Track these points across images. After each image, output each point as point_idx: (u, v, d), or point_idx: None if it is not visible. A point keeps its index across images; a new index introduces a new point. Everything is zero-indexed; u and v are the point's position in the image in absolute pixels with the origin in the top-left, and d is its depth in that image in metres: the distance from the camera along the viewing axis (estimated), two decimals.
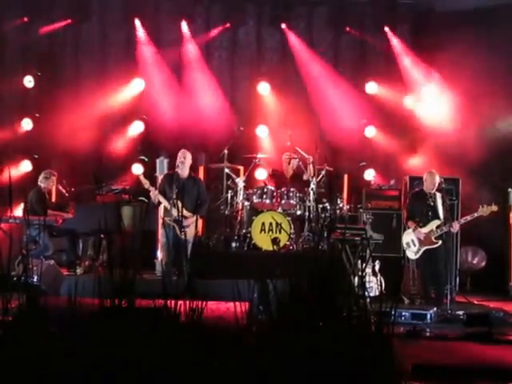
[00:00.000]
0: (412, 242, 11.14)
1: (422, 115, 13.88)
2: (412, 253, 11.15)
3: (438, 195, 11.12)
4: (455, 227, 10.98)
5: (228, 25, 14.47)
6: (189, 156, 11.34)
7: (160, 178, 12.15)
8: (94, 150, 14.17)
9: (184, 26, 14.38)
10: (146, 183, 11.24)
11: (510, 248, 12.68)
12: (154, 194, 11.11)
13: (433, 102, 13.78)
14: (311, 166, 12.69)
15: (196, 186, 11.37)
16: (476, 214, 10.86)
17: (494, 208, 10.87)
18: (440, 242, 10.96)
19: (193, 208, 11.12)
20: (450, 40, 12.86)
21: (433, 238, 10.96)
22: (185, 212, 10.98)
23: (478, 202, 11.20)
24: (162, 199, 11.07)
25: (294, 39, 14.40)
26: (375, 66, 14.29)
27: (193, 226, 11.12)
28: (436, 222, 11.00)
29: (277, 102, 14.40)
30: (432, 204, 11.09)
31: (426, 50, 13.67)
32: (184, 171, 11.23)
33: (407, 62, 13.94)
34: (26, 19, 14.09)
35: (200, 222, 12.34)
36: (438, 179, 11.13)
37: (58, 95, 13.96)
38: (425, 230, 11.04)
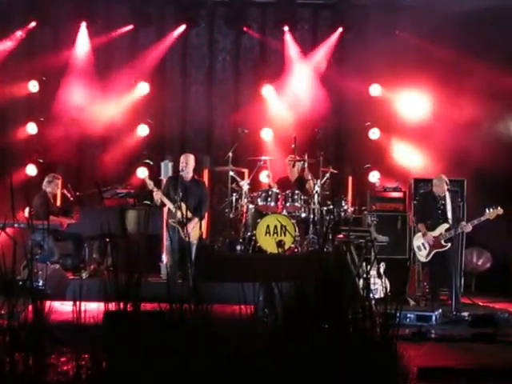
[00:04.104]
0: (422, 246, 11.11)
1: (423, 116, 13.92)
2: (422, 256, 11.14)
3: (448, 195, 11.08)
4: (468, 228, 10.94)
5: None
6: (191, 159, 11.36)
7: (164, 180, 12.19)
8: (98, 153, 14.19)
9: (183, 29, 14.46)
10: (150, 184, 11.27)
11: None
12: (158, 196, 11.14)
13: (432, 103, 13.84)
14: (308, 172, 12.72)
15: (199, 188, 11.43)
16: (482, 218, 10.80)
17: (500, 211, 10.81)
18: (449, 245, 10.92)
19: (194, 210, 11.18)
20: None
21: (442, 241, 10.92)
22: (188, 214, 11.00)
23: (484, 203, 11.19)
24: (165, 200, 11.10)
25: (297, 41, 14.43)
26: (378, 68, 14.25)
27: (197, 227, 11.14)
28: (445, 226, 10.94)
29: (281, 104, 14.41)
30: (442, 206, 11.04)
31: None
32: (188, 174, 11.27)
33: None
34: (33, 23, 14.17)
35: (204, 224, 12.32)
36: (447, 183, 11.10)
37: (63, 99, 13.98)
38: (434, 233, 10.99)
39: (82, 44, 14.25)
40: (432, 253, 11.01)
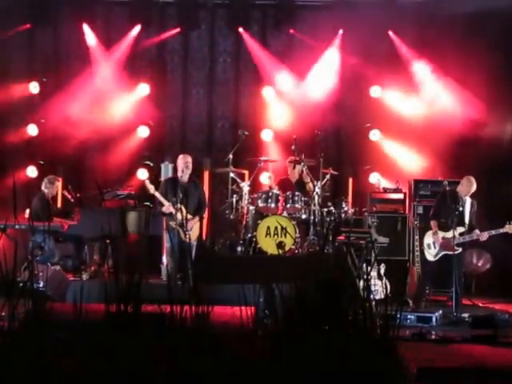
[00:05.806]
0: (433, 244, 11.01)
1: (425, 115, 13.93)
2: (431, 255, 11.06)
3: (469, 200, 10.92)
4: (484, 237, 10.78)
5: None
6: (191, 160, 11.40)
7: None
8: (99, 155, 14.20)
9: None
10: (151, 188, 11.29)
11: None
12: (160, 198, 11.18)
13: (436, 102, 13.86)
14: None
15: (197, 189, 11.48)
16: (501, 230, 10.60)
17: None
18: (460, 250, 10.80)
19: (195, 211, 11.21)
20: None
21: (454, 244, 10.76)
22: (188, 216, 11.03)
23: (484, 204, 11.19)
24: (166, 204, 11.13)
25: (297, 42, 14.45)
26: (380, 70, 14.24)
27: (196, 227, 11.16)
28: (460, 229, 10.78)
29: (281, 105, 14.42)
30: (461, 208, 10.83)
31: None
32: (186, 176, 11.30)
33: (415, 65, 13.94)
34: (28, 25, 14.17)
35: (204, 225, 12.33)
36: (474, 187, 10.88)
37: (63, 101, 13.99)
38: (446, 235, 10.86)
39: (83, 45, 14.29)
40: (440, 254, 10.90)
